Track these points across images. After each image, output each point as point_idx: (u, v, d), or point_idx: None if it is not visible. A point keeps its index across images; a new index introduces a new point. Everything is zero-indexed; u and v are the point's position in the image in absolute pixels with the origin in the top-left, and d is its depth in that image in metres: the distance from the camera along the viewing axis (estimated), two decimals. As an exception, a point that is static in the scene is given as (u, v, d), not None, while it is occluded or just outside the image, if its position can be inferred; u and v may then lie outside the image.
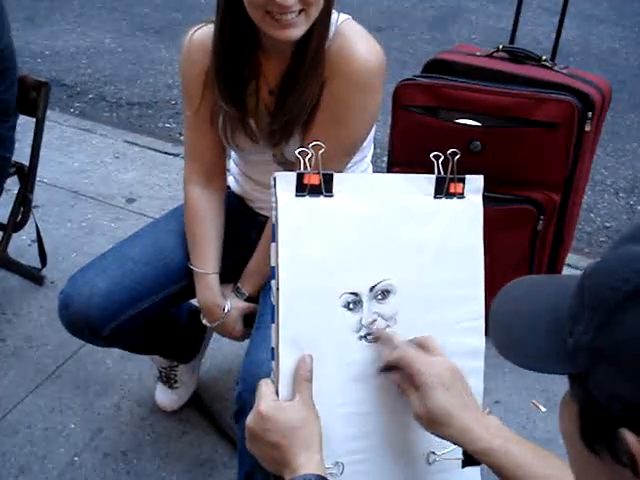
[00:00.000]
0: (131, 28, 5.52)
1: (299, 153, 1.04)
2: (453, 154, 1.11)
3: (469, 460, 1.12)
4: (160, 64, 4.88)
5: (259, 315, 1.62)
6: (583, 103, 2.15)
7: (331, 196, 1.05)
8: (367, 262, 1.08)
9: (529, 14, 5.58)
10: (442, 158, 1.12)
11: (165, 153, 3.54)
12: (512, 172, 2.20)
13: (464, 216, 1.14)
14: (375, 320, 1.09)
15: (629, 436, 0.59)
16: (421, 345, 1.07)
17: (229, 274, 1.72)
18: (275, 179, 1.02)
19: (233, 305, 1.68)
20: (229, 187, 1.83)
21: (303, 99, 1.49)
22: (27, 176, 2.44)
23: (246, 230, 1.78)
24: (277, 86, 1.54)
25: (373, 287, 1.08)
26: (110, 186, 3.30)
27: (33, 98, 2.31)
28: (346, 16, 1.52)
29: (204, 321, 1.72)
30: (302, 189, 1.03)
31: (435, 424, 1.01)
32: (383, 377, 1.10)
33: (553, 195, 2.25)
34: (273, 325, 1.04)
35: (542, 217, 2.25)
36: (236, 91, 1.54)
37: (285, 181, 1.03)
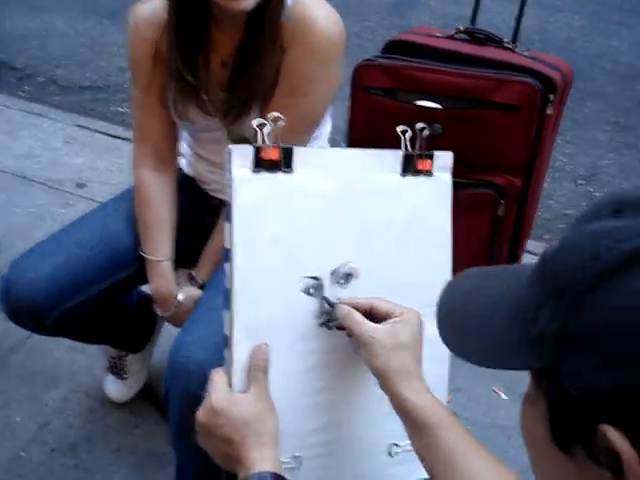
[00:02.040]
0: (84, 10, 5.36)
1: (257, 126, 0.97)
2: (421, 129, 1.06)
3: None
4: (113, 47, 4.74)
5: (202, 299, 1.55)
6: (544, 85, 2.11)
7: (291, 172, 0.98)
8: (328, 244, 1.01)
9: (488, 2, 5.55)
10: (409, 133, 1.07)
11: (117, 137, 3.44)
12: (473, 155, 2.14)
13: (432, 195, 1.08)
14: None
15: (611, 433, 0.53)
16: (370, 311, 1.01)
17: (182, 260, 1.65)
18: (230, 152, 0.95)
19: (187, 294, 1.60)
20: (181, 169, 1.75)
21: (263, 73, 1.43)
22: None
23: (200, 214, 1.70)
24: (231, 59, 1.47)
25: (334, 270, 1.02)
26: (60, 171, 3.19)
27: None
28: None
29: (157, 310, 1.64)
30: (259, 164, 0.96)
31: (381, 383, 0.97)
32: (342, 365, 1.04)
33: (514, 179, 2.20)
34: (226, 311, 0.97)
35: (503, 201, 2.21)
36: (189, 61, 1.46)
37: (241, 155, 0.96)
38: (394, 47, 2.27)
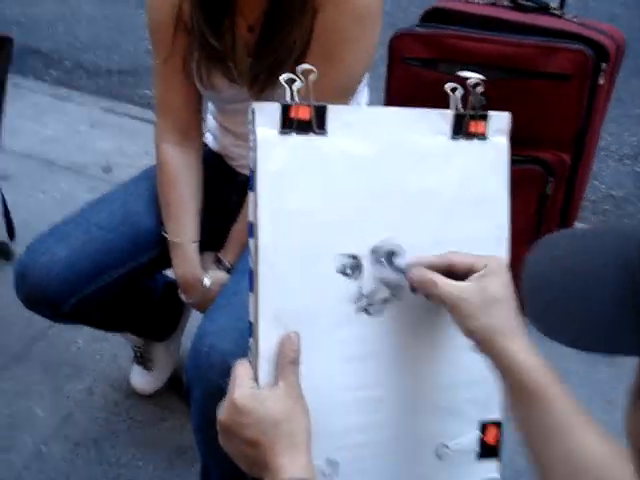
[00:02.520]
0: (110, -7, 5.28)
1: (285, 81, 0.84)
2: (474, 85, 0.93)
3: (485, 451, 0.98)
4: (140, 30, 4.62)
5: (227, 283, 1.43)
6: (596, 53, 1.96)
7: (324, 134, 0.85)
8: (368, 216, 0.88)
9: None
10: (460, 91, 0.94)
11: (145, 121, 3.32)
12: (519, 129, 1.96)
13: (486, 161, 0.95)
14: (377, 289, 0.90)
15: None
16: (448, 269, 0.89)
17: (209, 243, 1.54)
18: (254, 111, 0.83)
19: (214, 278, 1.49)
20: (206, 145, 1.63)
21: (292, 37, 1.30)
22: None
23: (227, 193, 1.58)
24: (259, 23, 1.34)
25: (375, 248, 0.89)
26: (86, 155, 3.09)
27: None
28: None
29: (182, 296, 1.53)
30: (288, 125, 0.83)
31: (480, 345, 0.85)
32: (384, 357, 0.92)
33: (563, 155, 2.06)
34: (251, 295, 0.85)
35: (551, 179, 2.07)
36: (214, 24, 1.34)
37: (267, 114, 0.83)
38: (432, 16, 2.13)
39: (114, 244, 1.47)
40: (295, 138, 0.84)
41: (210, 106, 1.61)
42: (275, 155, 0.83)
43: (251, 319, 0.85)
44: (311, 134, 0.85)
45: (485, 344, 0.84)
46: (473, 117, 0.94)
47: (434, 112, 0.92)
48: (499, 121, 0.97)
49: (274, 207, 0.83)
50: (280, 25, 1.31)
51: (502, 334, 0.83)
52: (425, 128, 0.92)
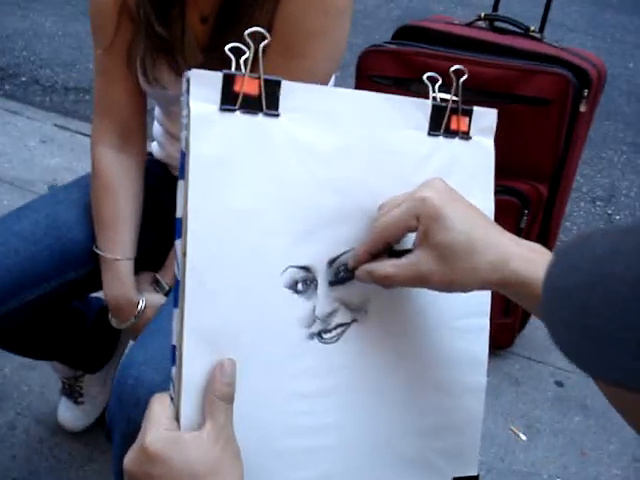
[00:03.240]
0: (74, 12, 5.12)
1: (230, 50, 0.68)
2: (458, 72, 0.77)
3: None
4: (102, 49, 4.49)
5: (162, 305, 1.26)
6: (578, 79, 1.84)
7: (276, 115, 0.69)
8: (326, 222, 0.72)
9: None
10: (439, 82, 0.79)
11: (98, 138, 3.17)
12: (495, 156, 1.87)
13: (469, 166, 0.80)
14: (335, 310, 0.73)
15: None
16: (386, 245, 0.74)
17: (147, 260, 1.36)
18: (189, 80, 0.66)
19: (150, 301, 1.30)
20: (150, 154, 1.46)
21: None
22: None
23: (169, 206, 1.40)
24: (212, 13, 1.19)
25: (333, 260, 0.73)
26: (32, 171, 2.91)
27: None
28: None
29: (112, 321, 1.35)
30: (231, 99, 0.67)
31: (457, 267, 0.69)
32: (343, 394, 0.74)
33: (540, 186, 1.93)
34: (175, 311, 0.67)
35: (526, 211, 1.93)
36: (161, 10, 1.18)
37: (205, 85, 0.66)
38: (405, 33, 2.00)
39: (37, 257, 1.28)
40: (239, 117, 0.67)
41: (156, 112, 1.44)
42: (212, 136, 0.66)
43: (174, 342, 0.68)
44: (259, 114, 0.68)
45: (485, 287, 0.71)
46: (455, 111, 0.79)
47: (409, 101, 0.77)
48: (485, 118, 0.82)
49: (208, 201, 0.66)
50: (237, 16, 1.15)
51: (488, 271, 0.68)
52: (399, 119, 0.76)
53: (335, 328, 0.73)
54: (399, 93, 1.83)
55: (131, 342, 1.56)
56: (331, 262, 0.72)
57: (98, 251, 1.30)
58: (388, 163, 0.75)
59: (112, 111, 1.32)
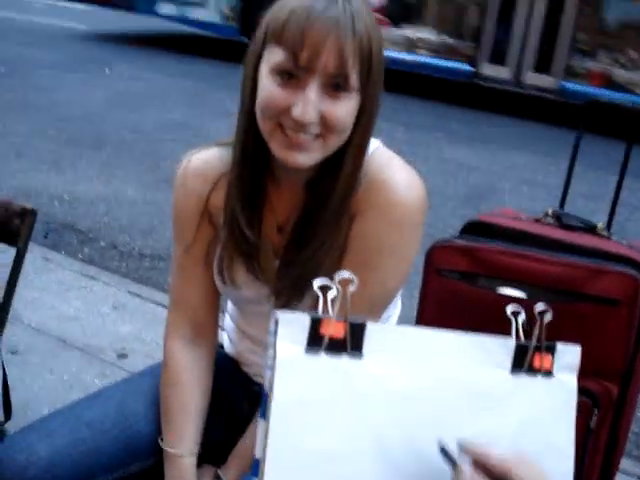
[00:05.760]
0: (156, 180, 5.39)
1: (319, 288, 0.71)
2: (541, 312, 0.79)
3: None
4: (179, 217, 4.68)
5: None
6: (647, 279, 1.83)
7: (360, 357, 0.71)
8: (405, 466, 0.72)
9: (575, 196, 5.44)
10: (522, 316, 0.81)
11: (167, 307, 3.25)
12: None
13: (552, 404, 0.80)
14: None
15: None
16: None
17: (211, 454, 1.36)
18: (277, 322, 0.69)
19: (210, 499, 1.30)
20: (221, 347, 1.50)
21: (326, 245, 1.19)
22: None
23: (238, 401, 1.43)
24: (288, 224, 1.25)
25: None
26: (102, 338, 2.98)
27: (16, 226, 2.03)
28: (377, 142, 1.25)
29: (170, 517, 1.34)
30: (317, 342, 0.70)
31: None
32: None
33: (610, 385, 1.88)
34: None
35: (596, 411, 1.88)
36: (249, 215, 1.25)
37: (292, 327, 0.69)
38: (473, 229, 2.05)
39: (103, 448, 1.30)
40: (324, 359, 0.69)
41: (229, 307, 1.49)
42: (297, 379, 0.68)
43: None
44: (344, 356, 0.70)
45: None
46: (538, 349, 0.80)
47: (492, 340, 0.79)
48: (568, 355, 0.83)
49: (287, 445, 0.67)
50: (313, 230, 1.20)
51: None
52: (481, 360, 0.77)
53: None
54: (466, 287, 1.85)
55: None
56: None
57: (163, 445, 1.31)
58: (470, 403, 0.76)
59: (187, 304, 1.38)
